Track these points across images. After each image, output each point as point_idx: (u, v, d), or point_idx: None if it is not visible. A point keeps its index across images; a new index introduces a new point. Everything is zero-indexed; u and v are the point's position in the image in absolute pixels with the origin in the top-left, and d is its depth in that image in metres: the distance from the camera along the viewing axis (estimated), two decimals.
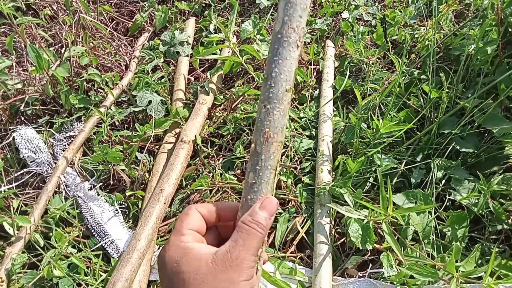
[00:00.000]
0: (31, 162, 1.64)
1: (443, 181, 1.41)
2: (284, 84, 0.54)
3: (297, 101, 1.91)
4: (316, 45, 2.13)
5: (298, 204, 1.48)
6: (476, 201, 1.27)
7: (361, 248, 1.25)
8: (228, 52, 2.12)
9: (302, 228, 1.39)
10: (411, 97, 1.70)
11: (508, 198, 1.30)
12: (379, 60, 2.02)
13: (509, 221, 1.25)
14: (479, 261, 1.19)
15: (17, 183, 1.61)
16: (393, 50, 2.08)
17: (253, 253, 0.51)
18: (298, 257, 1.36)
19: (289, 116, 1.74)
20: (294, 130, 1.71)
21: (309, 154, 1.64)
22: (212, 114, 1.88)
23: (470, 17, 1.82)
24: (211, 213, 0.58)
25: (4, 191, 1.54)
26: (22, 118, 1.87)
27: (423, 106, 1.64)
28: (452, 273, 1.01)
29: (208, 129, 1.79)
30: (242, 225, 0.53)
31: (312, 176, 1.56)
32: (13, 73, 1.98)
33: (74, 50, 1.89)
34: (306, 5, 0.53)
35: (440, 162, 1.42)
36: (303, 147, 1.65)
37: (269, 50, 0.56)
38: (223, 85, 2.08)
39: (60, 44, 2.22)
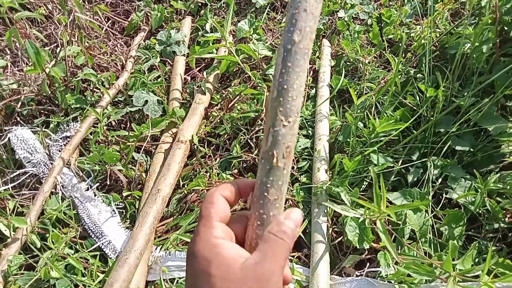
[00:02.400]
0: (27, 162, 1.63)
1: (440, 180, 1.42)
2: (299, 96, 0.51)
3: None
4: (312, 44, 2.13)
5: (295, 203, 1.48)
6: (473, 199, 1.27)
7: (358, 247, 1.25)
8: (225, 51, 2.12)
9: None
10: (408, 96, 1.70)
11: (504, 196, 1.31)
12: (375, 59, 2.03)
13: (506, 219, 1.25)
14: (476, 260, 1.20)
15: (13, 184, 1.61)
16: (389, 49, 2.08)
17: (281, 265, 0.49)
18: (295, 257, 1.36)
19: None
20: None
21: (305, 153, 1.64)
22: (209, 113, 1.88)
23: (466, 16, 1.82)
24: (233, 193, 0.55)
25: (0, 192, 1.53)
26: (18, 119, 1.86)
27: (419, 105, 1.65)
28: (449, 272, 1.01)
29: (205, 128, 1.79)
30: (269, 236, 0.51)
31: (309, 175, 1.56)
32: (8, 73, 1.97)
33: (70, 50, 1.88)
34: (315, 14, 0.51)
35: (437, 160, 1.43)
36: (300, 146, 1.65)
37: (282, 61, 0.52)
38: (219, 84, 2.07)
39: (55, 44, 2.21)
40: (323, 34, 2.26)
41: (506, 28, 1.59)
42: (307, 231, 1.41)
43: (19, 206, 1.53)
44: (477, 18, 1.78)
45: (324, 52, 2.05)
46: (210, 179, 1.57)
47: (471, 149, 1.44)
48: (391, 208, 1.06)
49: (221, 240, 0.50)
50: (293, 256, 1.36)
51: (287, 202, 1.49)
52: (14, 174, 1.62)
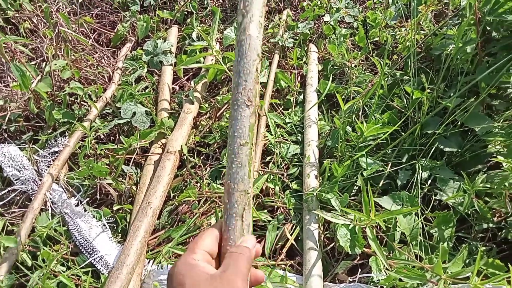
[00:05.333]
0: (15, 180, 1.62)
1: (429, 181, 1.42)
2: (238, 140, 0.63)
3: (282, 107, 1.91)
4: (300, 49, 2.14)
5: (287, 210, 1.48)
6: (462, 200, 1.28)
7: (350, 253, 1.25)
8: (212, 59, 2.12)
9: (291, 235, 1.39)
10: (395, 98, 1.71)
11: (493, 196, 1.32)
12: (362, 62, 2.04)
13: (495, 219, 1.26)
14: (467, 261, 1.20)
15: (2, 202, 1.59)
16: (375, 52, 2.09)
17: (243, 275, 0.57)
18: (288, 265, 1.36)
19: (274, 121, 1.74)
20: (280, 136, 1.71)
21: (296, 160, 1.65)
22: (198, 123, 1.88)
23: (449, 17, 1.84)
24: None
25: None
26: (5, 135, 1.84)
27: (406, 107, 1.66)
28: (439, 275, 1.02)
29: (194, 138, 1.79)
30: (230, 253, 0.61)
31: (299, 182, 1.56)
32: None
33: (55, 64, 1.87)
34: (249, 70, 0.63)
35: (425, 162, 1.44)
36: (289, 152, 1.66)
37: None
38: (208, 93, 2.07)
39: (41, 58, 2.19)
40: (309, 38, 2.27)
41: (488, 28, 1.61)
42: (299, 238, 1.41)
43: (9, 225, 1.51)
44: (460, 19, 1.80)
45: (311, 57, 2.06)
46: (200, 190, 1.57)
47: (459, 150, 1.45)
48: (380, 215, 1.07)
49: (198, 261, 0.59)
50: (286, 264, 1.36)
51: (279, 209, 1.49)
52: (3, 192, 1.61)
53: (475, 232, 1.28)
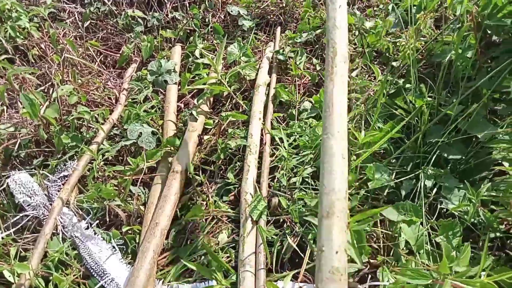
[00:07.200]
0: (27, 206, 1.66)
1: (435, 190, 1.41)
2: None
3: (286, 120, 1.92)
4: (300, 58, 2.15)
5: (294, 223, 1.48)
6: (467, 210, 1.27)
7: (356, 261, 1.25)
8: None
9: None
10: (401, 103, 1.69)
11: (500, 204, 1.30)
12: (364, 69, 2.04)
13: (502, 227, 1.24)
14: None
15: (15, 228, 1.62)
16: (377, 60, 2.09)
17: None
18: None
19: (279, 137, 1.75)
20: (285, 149, 1.71)
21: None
22: (203, 140, 1.90)
23: (450, 22, 1.83)
24: None
25: (2, 237, 1.55)
26: (17, 161, 1.89)
27: (408, 114, 1.65)
28: (445, 274, 1.01)
29: (199, 155, 1.81)
30: None
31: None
32: (5, 117, 2.01)
33: (63, 90, 1.92)
34: None
35: (430, 171, 1.43)
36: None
37: None
38: (212, 110, 2.09)
39: (50, 83, 2.24)
40: (311, 48, 2.28)
41: (489, 32, 1.60)
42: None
43: (22, 250, 1.55)
44: (461, 23, 1.79)
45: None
46: (207, 208, 1.58)
47: (463, 157, 1.44)
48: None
49: None
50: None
51: (285, 223, 1.50)
52: (16, 218, 1.65)
53: (483, 241, 1.27)
